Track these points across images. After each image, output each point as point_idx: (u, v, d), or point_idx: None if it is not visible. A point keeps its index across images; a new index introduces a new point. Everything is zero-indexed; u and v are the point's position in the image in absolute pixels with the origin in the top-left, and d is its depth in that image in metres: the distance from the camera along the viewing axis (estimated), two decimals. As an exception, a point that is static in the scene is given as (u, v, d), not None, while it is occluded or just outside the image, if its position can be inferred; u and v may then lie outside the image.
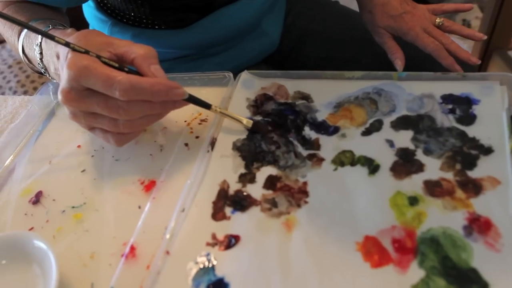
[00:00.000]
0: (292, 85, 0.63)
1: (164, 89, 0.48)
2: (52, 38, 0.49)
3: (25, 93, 1.26)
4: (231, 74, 0.65)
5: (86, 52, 0.48)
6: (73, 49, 0.48)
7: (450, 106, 0.57)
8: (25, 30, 0.62)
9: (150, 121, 0.52)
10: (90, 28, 0.89)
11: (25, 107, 0.74)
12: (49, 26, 0.59)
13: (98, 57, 0.48)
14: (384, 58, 0.76)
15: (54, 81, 0.64)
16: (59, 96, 0.49)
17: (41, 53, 0.58)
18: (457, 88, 0.59)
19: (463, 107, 0.56)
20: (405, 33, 0.72)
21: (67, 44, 0.48)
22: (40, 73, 0.63)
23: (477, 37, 0.70)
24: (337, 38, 0.93)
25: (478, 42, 1.40)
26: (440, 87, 0.59)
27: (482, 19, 1.46)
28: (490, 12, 1.37)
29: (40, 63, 0.59)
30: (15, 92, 1.26)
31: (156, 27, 0.79)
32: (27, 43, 0.62)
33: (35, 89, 1.28)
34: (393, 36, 0.75)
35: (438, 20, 0.72)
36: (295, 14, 0.97)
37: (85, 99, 0.49)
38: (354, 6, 0.89)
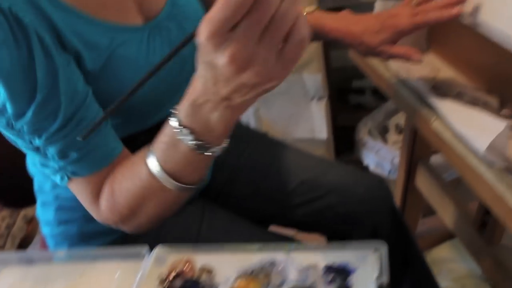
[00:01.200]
0: (201, 258, 0.71)
1: None
2: None
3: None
4: (146, 249, 0.73)
5: None
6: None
7: (331, 277, 0.65)
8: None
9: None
10: None
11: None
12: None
13: None
14: (308, 188, 0.86)
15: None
16: (231, 68, 0.50)
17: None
18: (339, 257, 0.68)
19: (341, 277, 0.65)
20: (400, 31, 0.80)
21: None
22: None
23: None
24: (265, 170, 1.04)
25: (404, 154, 1.52)
26: (324, 257, 0.68)
27: (404, 129, 1.59)
28: (410, 122, 1.50)
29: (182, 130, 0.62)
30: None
31: None
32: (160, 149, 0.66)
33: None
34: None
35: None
36: (224, 152, 1.07)
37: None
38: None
